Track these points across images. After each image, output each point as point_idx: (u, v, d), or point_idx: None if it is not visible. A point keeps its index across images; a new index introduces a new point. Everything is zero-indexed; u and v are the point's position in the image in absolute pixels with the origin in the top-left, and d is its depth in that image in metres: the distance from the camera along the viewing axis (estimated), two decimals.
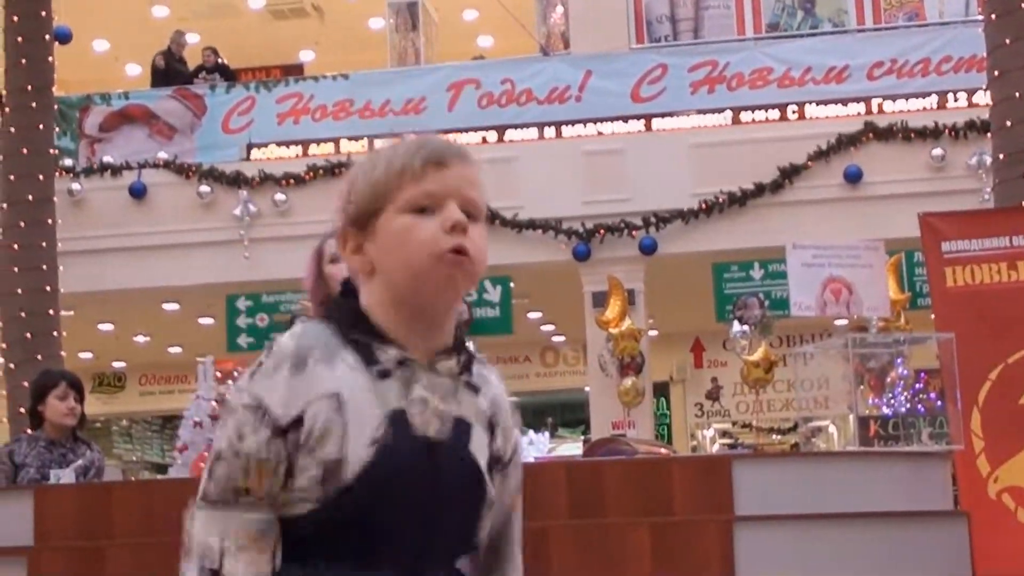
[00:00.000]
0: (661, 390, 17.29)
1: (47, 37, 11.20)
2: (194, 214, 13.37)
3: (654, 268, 12.79)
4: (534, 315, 15.84)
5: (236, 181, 13.33)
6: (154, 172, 13.56)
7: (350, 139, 13.55)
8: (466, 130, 13.12)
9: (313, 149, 13.72)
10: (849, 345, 6.09)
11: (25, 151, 10.84)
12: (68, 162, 13.53)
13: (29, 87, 10.93)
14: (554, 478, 5.02)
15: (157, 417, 20.77)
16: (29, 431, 5.96)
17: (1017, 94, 8.88)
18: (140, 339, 17.17)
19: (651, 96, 13.43)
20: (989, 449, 6.88)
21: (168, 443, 19.69)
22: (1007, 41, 8.98)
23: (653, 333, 14.48)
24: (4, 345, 10.62)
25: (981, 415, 6.88)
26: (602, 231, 12.69)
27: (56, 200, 11.20)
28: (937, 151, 12.32)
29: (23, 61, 10.97)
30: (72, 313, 12.04)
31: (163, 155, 13.73)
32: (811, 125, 12.84)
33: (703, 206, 12.54)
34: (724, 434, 18.14)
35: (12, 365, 10.43)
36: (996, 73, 9.09)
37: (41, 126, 11.00)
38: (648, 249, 12.62)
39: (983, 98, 11.01)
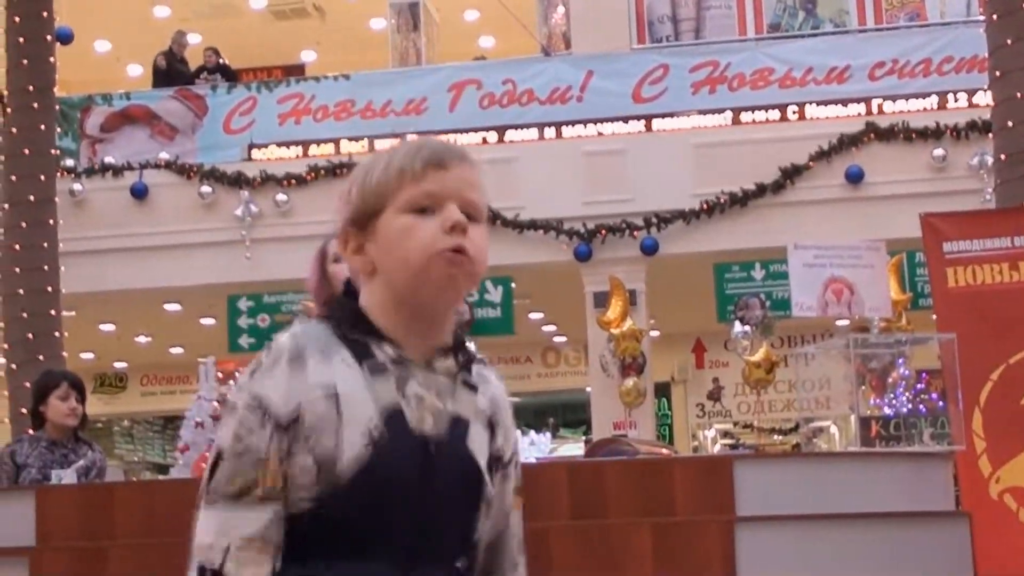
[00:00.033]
0: (662, 390, 17.27)
1: (48, 38, 11.20)
2: (195, 214, 13.37)
3: (655, 268, 12.78)
4: (535, 315, 15.84)
5: (237, 181, 13.33)
6: (155, 172, 13.56)
7: (351, 139, 13.55)
8: (467, 130, 13.12)
9: (314, 149, 13.70)
10: (850, 345, 6.10)
11: (27, 152, 10.85)
12: (69, 162, 13.53)
13: (31, 88, 10.94)
14: (555, 478, 5.02)
15: (158, 417, 20.76)
16: (31, 432, 5.96)
17: (1018, 94, 8.88)
18: (141, 339, 17.16)
19: (652, 96, 13.42)
20: (991, 450, 6.88)
21: (170, 443, 19.69)
22: (1008, 41, 8.98)
23: (654, 333, 14.47)
24: (6, 346, 10.62)
25: (983, 415, 6.88)
26: (603, 231, 12.68)
27: (57, 201, 11.20)
28: (938, 151, 12.31)
29: (24, 62, 10.98)
30: (74, 313, 12.04)
31: (164, 155, 13.72)
32: (812, 125, 12.83)
33: (704, 206, 12.53)
34: (725, 434, 18.12)
35: (14, 366, 10.43)
36: (997, 73, 9.09)
37: (43, 127, 11.01)
38: (649, 249, 12.62)
39: (984, 98, 11.01)
